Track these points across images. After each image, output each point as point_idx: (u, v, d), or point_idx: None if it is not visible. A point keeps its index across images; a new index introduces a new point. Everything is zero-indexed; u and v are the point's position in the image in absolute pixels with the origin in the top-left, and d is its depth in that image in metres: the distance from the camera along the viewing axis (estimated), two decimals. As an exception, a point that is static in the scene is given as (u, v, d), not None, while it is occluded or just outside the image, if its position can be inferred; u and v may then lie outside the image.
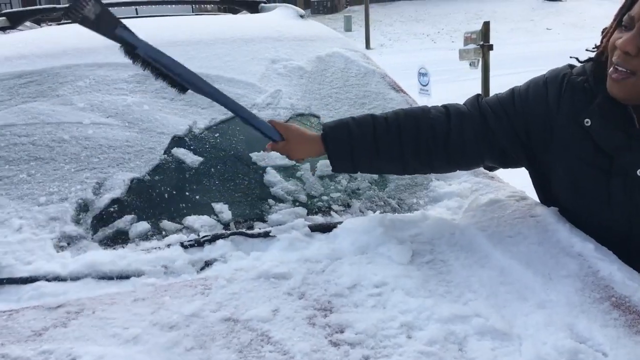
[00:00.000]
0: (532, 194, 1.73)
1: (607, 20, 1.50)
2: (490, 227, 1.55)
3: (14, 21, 2.77)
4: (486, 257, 1.43)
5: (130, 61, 1.54)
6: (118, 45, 1.55)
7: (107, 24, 1.51)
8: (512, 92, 1.58)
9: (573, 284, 1.30)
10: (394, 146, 1.54)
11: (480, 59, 8.39)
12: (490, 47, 8.36)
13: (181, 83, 1.56)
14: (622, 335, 1.16)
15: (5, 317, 1.24)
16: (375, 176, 1.88)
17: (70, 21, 1.92)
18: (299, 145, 1.58)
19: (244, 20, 2.82)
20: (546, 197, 1.62)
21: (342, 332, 1.18)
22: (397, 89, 2.29)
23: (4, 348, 1.14)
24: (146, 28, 2.40)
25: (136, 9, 3.89)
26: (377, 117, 1.58)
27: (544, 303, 1.25)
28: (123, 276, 1.40)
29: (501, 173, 1.96)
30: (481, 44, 8.42)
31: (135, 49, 1.52)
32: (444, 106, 1.61)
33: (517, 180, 2.09)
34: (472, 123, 1.55)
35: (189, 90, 1.58)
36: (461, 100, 1.66)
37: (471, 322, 1.19)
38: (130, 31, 1.53)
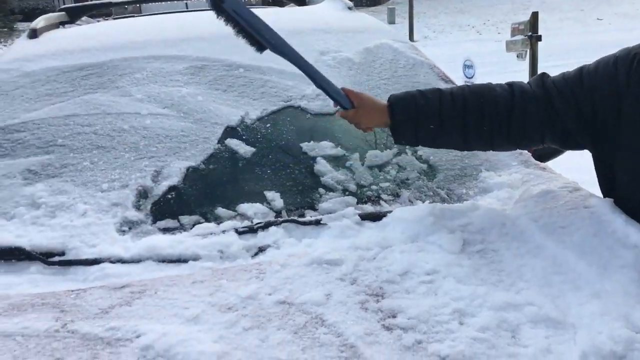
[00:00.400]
0: (586, 185, 1.71)
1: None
2: (543, 218, 1.54)
3: (73, 16, 2.89)
4: (538, 247, 1.43)
5: (215, 14, 1.54)
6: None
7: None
8: (581, 70, 1.55)
9: (629, 274, 1.28)
10: (457, 121, 1.54)
11: (528, 51, 8.23)
12: (539, 38, 8.18)
13: (261, 41, 1.56)
14: (680, 326, 1.15)
15: (73, 296, 1.32)
16: (425, 166, 1.89)
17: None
18: (369, 114, 1.58)
19: (292, 12, 2.86)
20: (608, 182, 1.58)
21: (394, 317, 1.21)
22: (446, 80, 2.28)
23: (74, 324, 1.21)
24: (197, 21, 2.47)
25: (186, 3, 3.98)
26: (444, 91, 1.58)
27: (599, 293, 1.24)
28: (181, 260, 1.46)
29: (553, 164, 1.94)
30: (529, 34, 8.24)
31: (222, 3, 1.51)
32: (509, 84, 1.60)
33: (570, 172, 2.06)
34: (536, 102, 1.54)
35: (267, 50, 1.59)
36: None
37: (524, 310, 1.20)
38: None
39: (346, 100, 1.59)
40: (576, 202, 1.59)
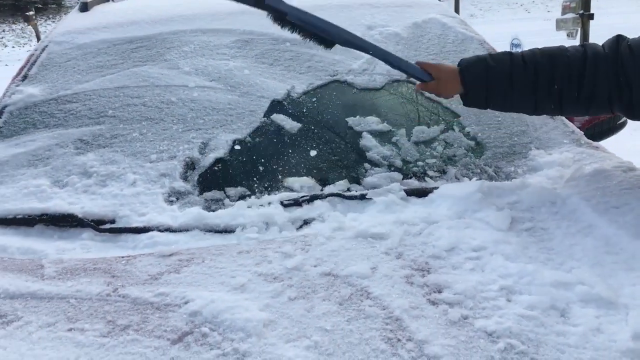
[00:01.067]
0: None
1: None
2: (595, 197, 1.50)
3: (122, -10, 2.92)
4: (590, 226, 1.39)
5: (279, 27, 1.63)
6: (265, 13, 1.61)
7: None
8: None
9: (686, 256, 1.24)
10: (528, 85, 1.53)
11: (579, 29, 7.94)
12: (591, 17, 7.89)
13: (328, 39, 1.63)
14: None
15: (124, 262, 1.35)
16: (472, 143, 1.85)
17: None
18: (448, 83, 1.60)
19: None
20: None
21: (440, 292, 1.20)
22: (496, 56, 2.22)
23: (125, 289, 1.25)
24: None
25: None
26: (514, 54, 1.57)
27: (653, 274, 1.20)
28: (228, 230, 1.48)
29: (607, 143, 1.88)
30: (581, 12, 7.95)
31: (285, 15, 1.59)
32: (582, 45, 1.56)
33: (623, 151, 2.00)
34: (606, 64, 1.49)
35: (336, 45, 1.66)
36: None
37: (575, 290, 1.17)
38: None
39: (423, 74, 1.62)
40: (630, 182, 1.54)
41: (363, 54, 2.08)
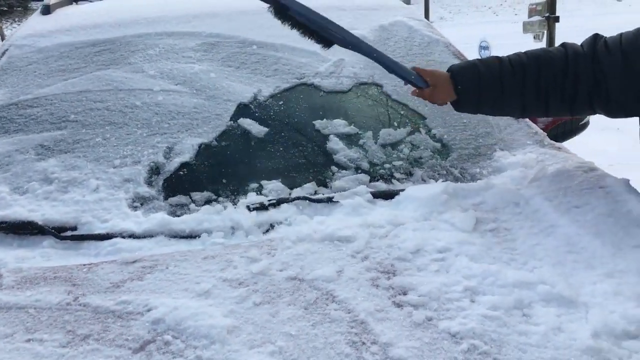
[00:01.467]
0: (601, 165, 1.68)
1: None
2: (557, 197, 1.52)
3: (86, -7, 2.87)
4: (552, 226, 1.41)
5: (279, 21, 1.60)
6: (266, 5, 1.58)
7: None
8: (638, 31, 1.51)
9: (644, 254, 1.27)
10: (518, 88, 1.57)
11: (545, 32, 8.09)
12: (556, 19, 8.04)
13: (328, 38, 1.62)
14: (695, 307, 1.13)
15: (85, 270, 1.32)
16: (438, 145, 1.87)
17: None
18: (443, 90, 1.61)
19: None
20: None
21: (405, 294, 1.20)
22: (462, 58, 2.25)
23: (85, 298, 1.22)
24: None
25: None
26: (503, 59, 1.60)
27: (612, 272, 1.22)
28: (193, 235, 1.46)
29: (572, 143, 1.91)
30: (546, 15, 8.10)
31: (288, 10, 1.56)
32: (563, 45, 1.60)
33: (583, 152, 2.03)
34: (585, 63, 1.53)
35: (334, 45, 1.65)
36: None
37: (536, 289, 1.18)
38: None
39: (420, 80, 1.61)
40: (591, 182, 1.57)
41: (330, 57, 2.09)
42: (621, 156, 5.35)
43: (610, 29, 1.86)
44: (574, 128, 2.24)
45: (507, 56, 1.61)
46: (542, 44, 8.25)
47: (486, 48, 7.93)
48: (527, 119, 2.02)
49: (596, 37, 1.57)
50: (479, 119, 1.97)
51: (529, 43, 8.86)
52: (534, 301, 1.16)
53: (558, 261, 1.28)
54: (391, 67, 1.64)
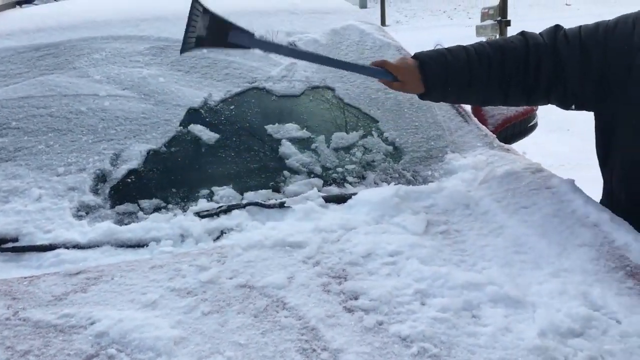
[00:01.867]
0: (549, 168, 1.72)
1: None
2: (506, 198, 1.55)
3: (30, -5, 2.78)
4: (501, 227, 1.43)
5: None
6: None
7: (219, 33, 1.57)
8: (597, 25, 1.56)
9: (588, 253, 1.30)
10: (483, 77, 1.59)
11: (497, 35, 8.28)
12: (508, 23, 8.25)
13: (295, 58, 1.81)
14: (636, 303, 1.16)
15: (26, 283, 1.27)
16: (390, 148, 1.87)
17: None
18: (412, 81, 1.61)
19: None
20: (607, 138, 1.59)
21: (356, 298, 1.20)
22: (413, 62, 2.26)
23: (26, 312, 1.17)
24: (164, 0, 2.41)
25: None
26: (468, 49, 1.63)
27: (558, 272, 1.25)
28: (140, 244, 1.42)
29: (517, 146, 1.95)
30: (498, 19, 8.31)
31: (250, 49, 1.62)
32: (522, 34, 1.64)
33: (534, 153, 2.08)
34: (546, 54, 1.56)
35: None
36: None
37: (485, 290, 1.20)
38: (243, 32, 1.57)
39: (387, 74, 1.64)
40: (538, 183, 1.60)
41: (283, 59, 2.08)
42: (571, 157, 5.51)
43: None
44: (523, 129, 2.28)
45: (472, 45, 1.64)
46: (495, 47, 8.45)
47: (441, 51, 8.06)
48: (477, 121, 2.05)
49: (557, 28, 1.60)
50: (431, 122, 1.98)
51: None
52: (483, 302, 1.17)
53: (506, 262, 1.30)
54: (356, 70, 1.73)
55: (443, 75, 1.59)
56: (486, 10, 8.91)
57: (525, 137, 2.42)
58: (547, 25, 1.65)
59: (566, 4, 22.97)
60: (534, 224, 1.42)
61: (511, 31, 8.41)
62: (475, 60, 1.59)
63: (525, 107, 2.26)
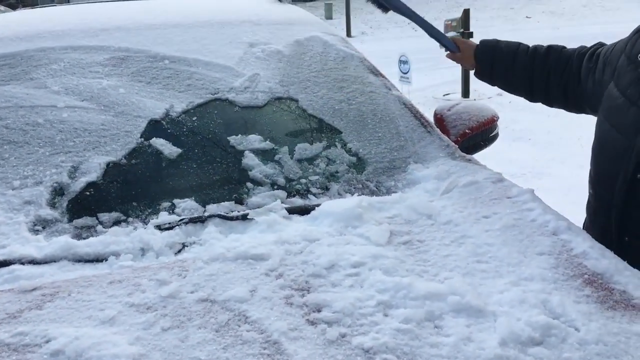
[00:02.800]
0: (509, 177, 1.74)
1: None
2: (467, 208, 1.56)
3: (-14, 4, 2.71)
4: (463, 236, 1.44)
5: None
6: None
7: None
8: (615, 43, 1.72)
9: (547, 261, 1.32)
10: (527, 67, 1.86)
11: (460, 47, 8.42)
12: (471, 35, 8.40)
13: (383, 4, 2.02)
14: (594, 311, 1.18)
15: (-22, 301, 1.23)
16: (354, 159, 1.88)
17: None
18: (468, 56, 2.00)
19: (222, 3, 2.79)
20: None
21: (319, 311, 1.19)
22: (376, 73, 2.29)
23: (-22, 331, 1.13)
24: (124, 11, 2.38)
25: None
26: (524, 43, 1.94)
27: (518, 280, 1.26)
28: (99, 259, 1.39)
29: (478, 156, 1.97)
30: (461, 31, 8.46)
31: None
32: (563, 47, 1.88)
33: (498, 161, 2.11)
34: (571, 67, 1.81)
35: (390, 11, 2.05)
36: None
37: (447, 300, 1.20)
38: None
39: (453, 46, 2.02)
40: (499, 193, 1.62)
41: (244, 72, 2.07)
42: (532, 165, 5.63)
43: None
44: (485, 139, 2.31)
45: (527, 44, 1.94)
46: (458, 59, 8.58)
47: (405, 62, 8.15)
48: (439, 132, 2.07)
49: (600, 44, 1.80)
50: (394, 133, 2.00)
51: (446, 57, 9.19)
52: (445, 312, 1.18)
53: (468, 271, 1.31)
54: (433, 33, 2.01)
55: (490, 55, 1.93)
56: (449, 22, 9.07)
57: (487, 147, 2.46)
58: (507, 36, 1.76)
59: (527, 17, 23.56)
60: (494, 233, 1.43)
61: (473, 43, 8.57)
62: (523, 50, 1.89)
63: (486, 117, 2.30)
